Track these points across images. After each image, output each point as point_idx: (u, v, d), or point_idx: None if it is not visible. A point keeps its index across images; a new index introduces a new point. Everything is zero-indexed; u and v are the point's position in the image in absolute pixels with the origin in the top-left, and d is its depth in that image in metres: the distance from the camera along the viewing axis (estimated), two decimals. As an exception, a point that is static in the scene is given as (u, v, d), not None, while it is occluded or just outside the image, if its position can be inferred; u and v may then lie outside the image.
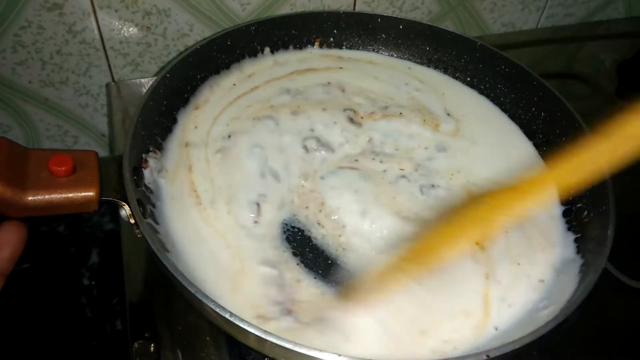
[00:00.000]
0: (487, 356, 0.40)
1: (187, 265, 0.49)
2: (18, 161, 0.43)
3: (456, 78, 0.75)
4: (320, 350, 0.39)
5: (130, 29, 0.74)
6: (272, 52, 0.72)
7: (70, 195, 0.43)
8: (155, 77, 0.59)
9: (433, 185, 0.60)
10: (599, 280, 0.47)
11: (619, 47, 1.00)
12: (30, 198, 0.42)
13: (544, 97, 0.67)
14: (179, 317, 0.54)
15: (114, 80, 0.78)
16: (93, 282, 0.72)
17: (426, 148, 0.64)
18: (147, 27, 0.75)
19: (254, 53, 0.71)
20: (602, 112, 0.86)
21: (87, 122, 0.82)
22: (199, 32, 0.78)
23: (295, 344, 0.40)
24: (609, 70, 0.94)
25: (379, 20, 0.74)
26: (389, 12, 0.85)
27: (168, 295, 0.55)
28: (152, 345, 0.51)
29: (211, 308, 0.41)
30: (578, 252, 0.55)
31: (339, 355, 0.39)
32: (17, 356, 0.66)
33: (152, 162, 0.55)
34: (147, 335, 0.52)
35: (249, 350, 0.52)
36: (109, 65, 0.77)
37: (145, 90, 0.68)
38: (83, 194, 0.44)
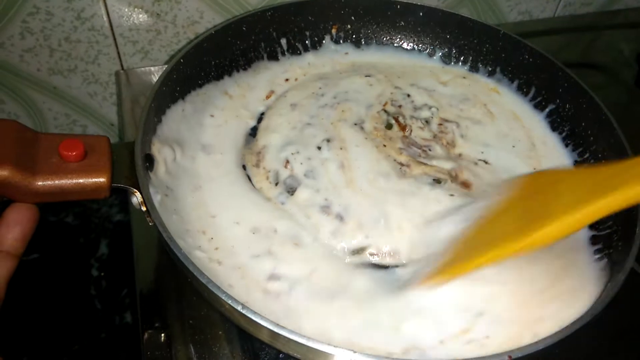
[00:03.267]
0: (509, 357, 0.39)
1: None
2: (28, 145, 0.41)
3: (477, 68, 0.73)
4: (334, 346, 0.38)
5: (140, 15, 0.72)
6: (287, 42, 0.71)
7: (81, 180, 0.42)
8: (168, 63, 0.57)
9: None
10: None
11: (638, 36, 0.98)
12: (40, 183, 0.40)
13: (569, 88, 0.65)
14: (190, 309, 0.52)
15: (123, 68, 0.77)
16: (102, 274, 0.71)
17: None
18: (157, 14, 0.73)
19: (271, 45, 0.69)
20: (622, 102, 0.85)
21: (96, 111, 0.81)
22: (209, 20, 0.76)
23: (309, 339, 0.38)
24: (628, 59, 0.92)
25: (398, 6, 0.72)
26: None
27: (179, 287, 0.54)
28: (163, 335, 0.49)
29: (223, 299, 0.40)
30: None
31: (354, 352, 0.38)
32: (26, 347, 0.65)
33: (163, 148, 0.53)
34: (157, 325, 0.50)
35: (262, 345, 0.51)
36: (118, 53, 0.75)
37: (155, 78, 0.66)
38: (94, 179, 0.42)
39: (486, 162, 0.61)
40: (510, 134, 0.65)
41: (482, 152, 0.62)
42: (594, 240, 0.55)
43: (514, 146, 0.64)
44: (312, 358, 0.41)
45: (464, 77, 0.72)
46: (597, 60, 0.92)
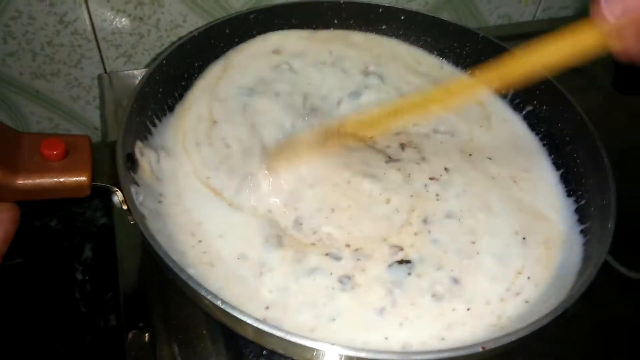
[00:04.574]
0: (483, 348, 0.39)
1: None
2: (9, 144, 0.42)
3: (457, 68, 0.74)
4: (317, 341, 0.38)
5: (123, 19, 0.73)
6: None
7: (62, 179, 0.42)
8: (150, 65, 0.57)
9: None
10: (599, 272, 0.46)
11: (615, 39, 1.00)
12: (20, 182, 0.40)
13: (546, 91, 0.66)
14: (174, 309, 0.52)
15: (106, 72, 0.77)
16: (87, 277, 0.71)
17: None
18: (140, 18, 0.73)
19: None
20: (599, 104, 0.86)
21: (79, 114, 0.81)
22: (192, 23, 0.76)
23: (295, 335, 0.38)
24: (606, 62, 0.93)
25: (380, 10, 0.73)
26: (386, 2, 0.84)
27: (163, 287, 0.54)
28: (147, 335, 0.50)
29: (202, 295, 0.40)
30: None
31: (332, 344, 0.38)
32: (11, 351, 0.65)
33: (146, 150, 0.53)
34: (141, 325, 0.50)
35: (247, 343, 0.51)
36: (101, 57, 0.75)
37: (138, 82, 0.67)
38: (75, 178, 0.42)
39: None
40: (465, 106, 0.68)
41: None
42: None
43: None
44: (293, 351, 0.41)
45: (441, 68, 0.74)
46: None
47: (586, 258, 0.52)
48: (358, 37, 0.74)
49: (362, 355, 0.38)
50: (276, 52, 0.69)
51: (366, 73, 0.68)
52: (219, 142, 0.58)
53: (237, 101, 0.62)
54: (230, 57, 0.67)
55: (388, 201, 0.55)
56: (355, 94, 0.66)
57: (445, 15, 0.90)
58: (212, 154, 0.57)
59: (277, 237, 0.51)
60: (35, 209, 0.76)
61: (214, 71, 0.66)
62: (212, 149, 0.58)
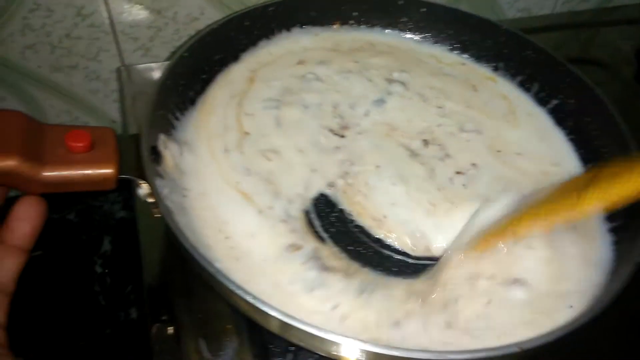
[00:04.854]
0: (520, 348, 0.38)
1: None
2: (34, 136, 0.41)
3: (479, 63, 0.73)
4: (350, 338, 0.38)
5: (140, 12, 0.72)
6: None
7: (88, 172, 0.42)
8: (170, 59, 0.57)
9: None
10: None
11: (636, 32, 0.98)
12: (46, 173, 0.40)
13: (572, 84, 0.65)
14: (198, 304, 0.52)
15: (124, 65, 0.77)
16: (106, 270, 0.71)
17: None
18: (157, 11, 0.73)
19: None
20: (622, 97, 0.85)
21: (97, 108, 0.80)
22: (210, 17, 0.76)
23: (325, 330, 0.38)
24: (627, 55, 0.92)
25: (401, 2, 0.72)
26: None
27: (187, 280, 0.53)
28: (171, 329, 0.49)
29: (232, 290, 0.39)
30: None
31: (362, 341, 0.38)
32: (32, 343, 0.65)
33: (170, 144, 0.53)
34: (164, 318, 0.50)
35: (272, 338, 0.50)
36: (119, 50, 0.75)
37: (156, 75, 0.66)
38: (101, 170, 0.42)
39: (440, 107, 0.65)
40: (489, 102, 0.67)
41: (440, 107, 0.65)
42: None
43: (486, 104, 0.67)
44: (319, 347, 0.40)
45: (463, 64, 0.73)
46: (596, 56, 0.92)
47: (618, 257, 0.51)
48: (382, 46, 0.72)
49: (394, 353, 0.37)
50: (300, 62, 0.68)
51: (390, 80, 0.67)
52: (256, 154, 0.57)
53: (268, 114, 0.61)
54: (254, 69, 0.66)
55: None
56: (380, 102, 0.65)
57: (464, 8, 0.89)
58: (246, 162, 0.56)
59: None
60: (53, 202, 0.76)
61: (237, 78, 0.65)
62: (245, 157, 0.56)
